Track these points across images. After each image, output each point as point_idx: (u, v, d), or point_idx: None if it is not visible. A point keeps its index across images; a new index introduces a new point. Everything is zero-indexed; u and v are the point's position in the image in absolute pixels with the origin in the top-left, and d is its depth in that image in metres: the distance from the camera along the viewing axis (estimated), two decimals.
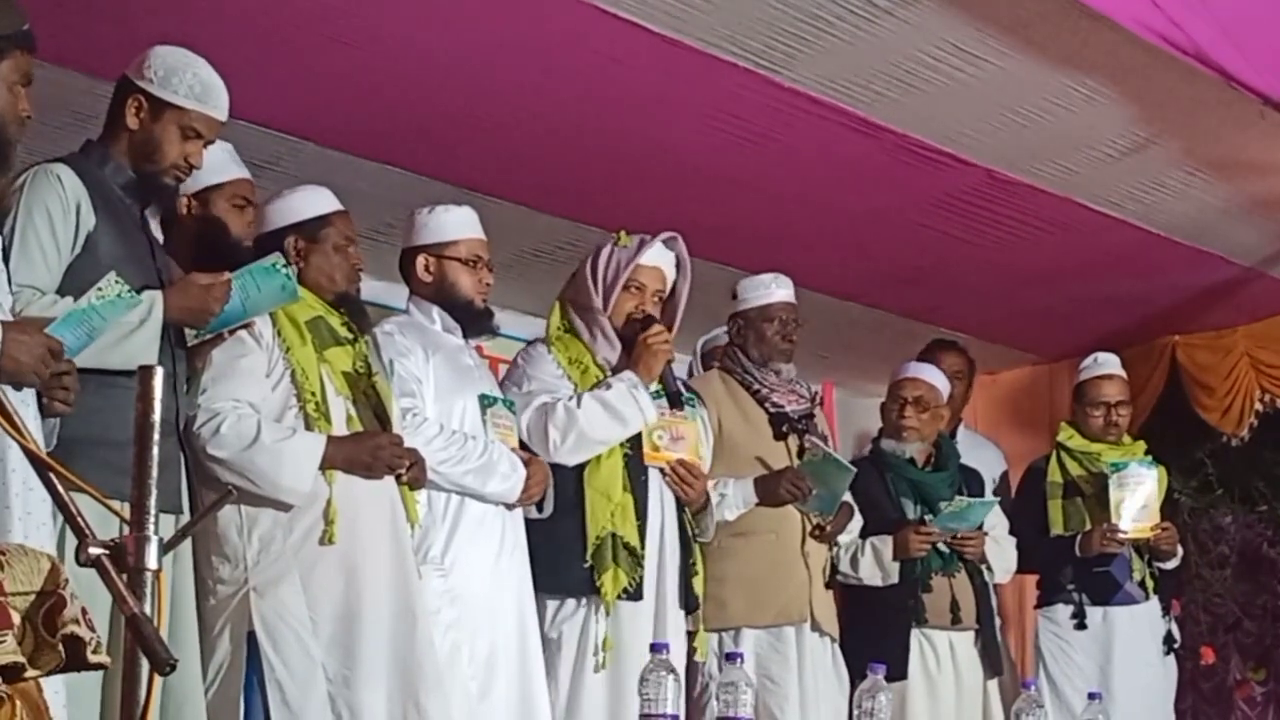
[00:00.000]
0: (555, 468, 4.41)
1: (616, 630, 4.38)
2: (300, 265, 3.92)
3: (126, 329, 3.28)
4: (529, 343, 4.72)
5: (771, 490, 4.93)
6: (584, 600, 4.40)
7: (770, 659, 4.90)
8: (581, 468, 4.44)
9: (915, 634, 5.27)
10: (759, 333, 5.16)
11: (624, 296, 4.61)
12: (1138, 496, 5.75)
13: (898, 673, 5.09)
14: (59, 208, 3.32)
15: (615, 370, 4.55)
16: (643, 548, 4.43)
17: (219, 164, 3.85)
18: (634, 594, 4.40)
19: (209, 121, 3.55)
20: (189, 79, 3.52)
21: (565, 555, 4.37)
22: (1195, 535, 6.99)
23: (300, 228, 3.98)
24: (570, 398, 4.45)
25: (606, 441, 4.46)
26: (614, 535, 4.38)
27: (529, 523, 4.35)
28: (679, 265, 4.72)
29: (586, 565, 4.36)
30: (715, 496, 4.83)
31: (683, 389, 4.73)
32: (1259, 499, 7.15)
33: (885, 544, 5.27)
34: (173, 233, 3.81)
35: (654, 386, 4.56)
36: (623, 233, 4.64)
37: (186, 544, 3.48)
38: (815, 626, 4.96)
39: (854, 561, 5.26)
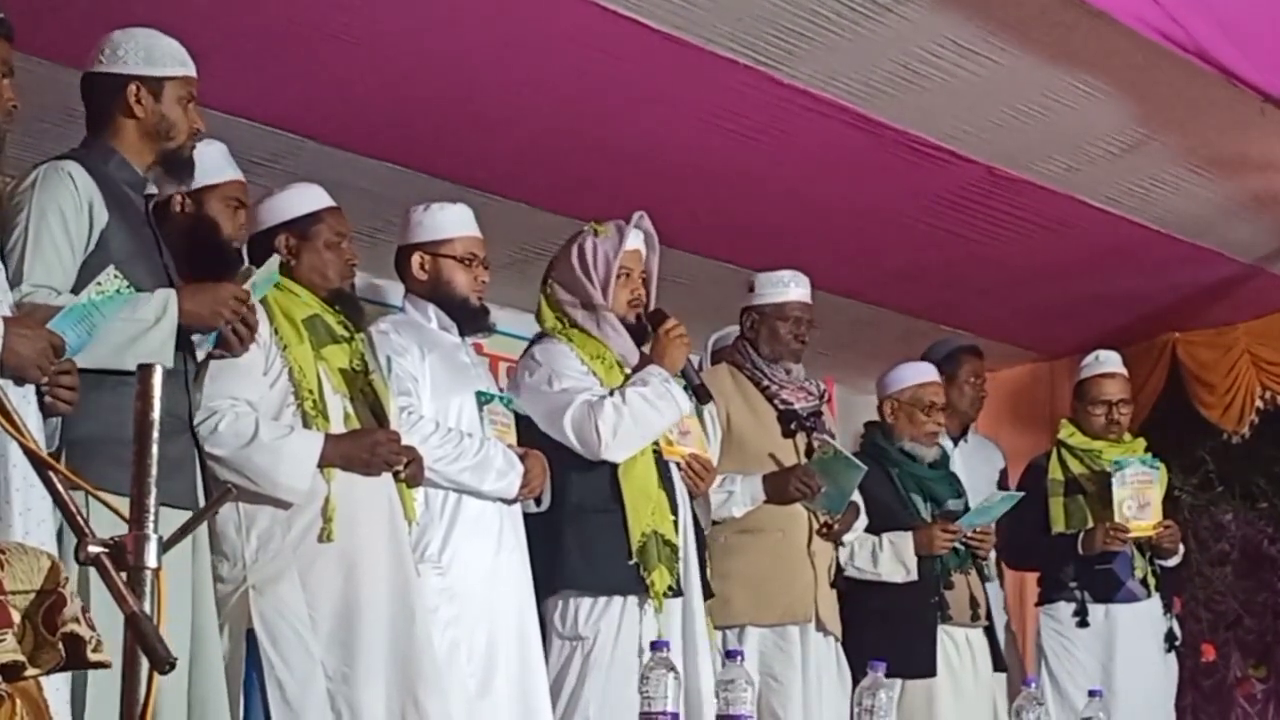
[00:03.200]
0: (575, 465, 4.39)
1: (667, 627, 4.35)
2: (293, 263, 3.92)
3: (141, 327, 3.25)
4: (534, 341, 4.64)
5: (780, 488, 4.92)
6: (628, 598, 4.37)
7: (774, 658, 4.90)
8: (614, 465, 4.41)
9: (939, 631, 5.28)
10: (773, 330, 5.13)
11: (617, 285, 4.57)
12: (1141, 495, 5.75)
13: (927, 670, 5.11)
14: (72, 206, 3.32)
15: (635, 365, 4.52)
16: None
17: (214, 165, 3.86)
18: (677, 590, 4.41)
19: (194, 81, 3.58)
20: (165, 50, 3.55)
21: (605, 553, 4.34)
22: (1196, 533, 6.99)
23: (291, 226, 3.97)
24: (611, 393, 4.42)
25: (651, 436, 4.45)
26: (656, 532, 4.38)
27: (552, 519, 4.34)
28: (648, 242, 4.68)
29: (632, 563, 4.34)
30: (723, 493, 4.83)
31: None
32: (1260, 496, 7.16)
33: (902, 540, 5.26)
34: (164, 228, 3.80)
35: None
36: (595, 223, 4.62)
37: (206, 540, 3.49)
38: (820, 626, 4.95)
39: (874, 558, 5.25)
